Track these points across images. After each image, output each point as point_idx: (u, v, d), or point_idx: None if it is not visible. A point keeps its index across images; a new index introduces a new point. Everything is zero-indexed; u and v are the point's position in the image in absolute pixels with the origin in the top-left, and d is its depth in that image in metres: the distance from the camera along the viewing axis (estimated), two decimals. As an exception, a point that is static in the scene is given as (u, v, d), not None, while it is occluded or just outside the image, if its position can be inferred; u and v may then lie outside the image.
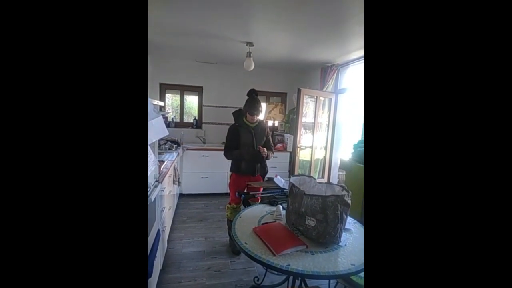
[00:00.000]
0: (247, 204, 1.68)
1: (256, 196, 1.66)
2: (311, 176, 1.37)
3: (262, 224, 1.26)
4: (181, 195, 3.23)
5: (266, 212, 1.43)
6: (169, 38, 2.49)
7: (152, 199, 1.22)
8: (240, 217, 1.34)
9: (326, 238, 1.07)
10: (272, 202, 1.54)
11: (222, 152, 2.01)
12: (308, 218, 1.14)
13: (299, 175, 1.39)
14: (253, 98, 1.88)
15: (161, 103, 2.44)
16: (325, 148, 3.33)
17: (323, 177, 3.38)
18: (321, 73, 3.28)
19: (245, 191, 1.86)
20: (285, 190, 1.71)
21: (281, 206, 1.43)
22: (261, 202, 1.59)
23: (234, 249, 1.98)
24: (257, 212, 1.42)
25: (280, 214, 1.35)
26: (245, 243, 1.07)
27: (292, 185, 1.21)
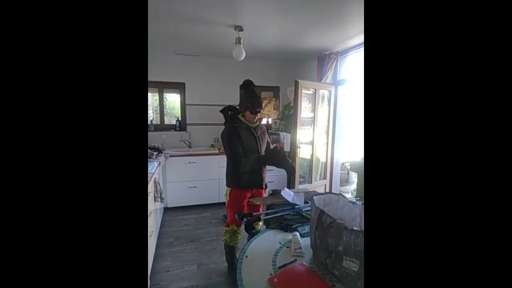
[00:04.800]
0: (250, 229, 1.30)
1: (262, 218, 1.29)
2: (339, 194, 1.02)
3: (280, 268, 0.89)
4: (166, 210, 2.80)
5: (280, 243, 1.06)
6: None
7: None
8: (247, 257, 0.97)
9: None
10: (284, 226, 1.18)
11: (229, 162, 1.52)
12: (347, 259, 0.79)
13: (323, 193, 1.03)
14: (252, 91, 1.49)
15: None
16: (326, 145, 3.01)
17: (325, 178, 3.07)
18: (318, 63, 2.95)
19: (246, 210, 1.49)
20: (296, 207, 1.36)
21: (298, 234, 1.08)
22: (270, 227, 1.22)
23: (234, 279, 1.61)
24: (267, 245, 1.05)
25: (300, 247, 0.99)
26: (262, 310, 0.70)
27: (320, 212, 0.85)
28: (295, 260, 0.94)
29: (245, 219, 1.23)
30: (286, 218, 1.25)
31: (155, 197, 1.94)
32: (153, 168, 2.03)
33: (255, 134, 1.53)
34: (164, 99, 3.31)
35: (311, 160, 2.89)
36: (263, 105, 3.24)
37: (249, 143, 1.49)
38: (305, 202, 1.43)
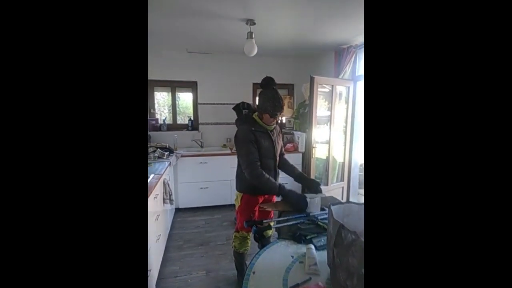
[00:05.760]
0: (260, 237, 1.19)
1: (272, 226, 1.17)
2: (362, 204, 0.88)
3: (291, 288, 0.77)
4: (177, 211, 2.76)
5: (292, 257, 0.94)
6: (155, 22, 1.98)
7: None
8: (254, 273, 0.86)
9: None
10: (297, 237, 1.05)
11: (247, 171, 1.34)
12: (373, 284, 0.66)
13: (342, 202, 0.90)
14: (275, 92, 1.33)
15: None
16: (344, 145, 2.83)
17: (342, 180, 2.89)
18: (335, 58, 2.77)
19: (257, 217, 1.37)
20: (311, 214, 1.23)
21: (313, 247, 0.95)
22: (281, 237, 1.10)
23: (244, 289, 1.51)
24: (278, 258, 0.94)
25: (315, 264, 0.87)
26: None
27: (340, 227, 0.73)
28: (310, 279, 0.82)
29: (254, 227, 1.12)
30: (299, 228, 1.12)
31: (164, 199, 1.88)
32: (163, 169, 1.97)
33: (272, 137, 1.41)
34: (177, 98, 3.29)
35: (327, 160, 2.72)
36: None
37: (266, 147, 1.36)
38: (322, 209, 1.29)
